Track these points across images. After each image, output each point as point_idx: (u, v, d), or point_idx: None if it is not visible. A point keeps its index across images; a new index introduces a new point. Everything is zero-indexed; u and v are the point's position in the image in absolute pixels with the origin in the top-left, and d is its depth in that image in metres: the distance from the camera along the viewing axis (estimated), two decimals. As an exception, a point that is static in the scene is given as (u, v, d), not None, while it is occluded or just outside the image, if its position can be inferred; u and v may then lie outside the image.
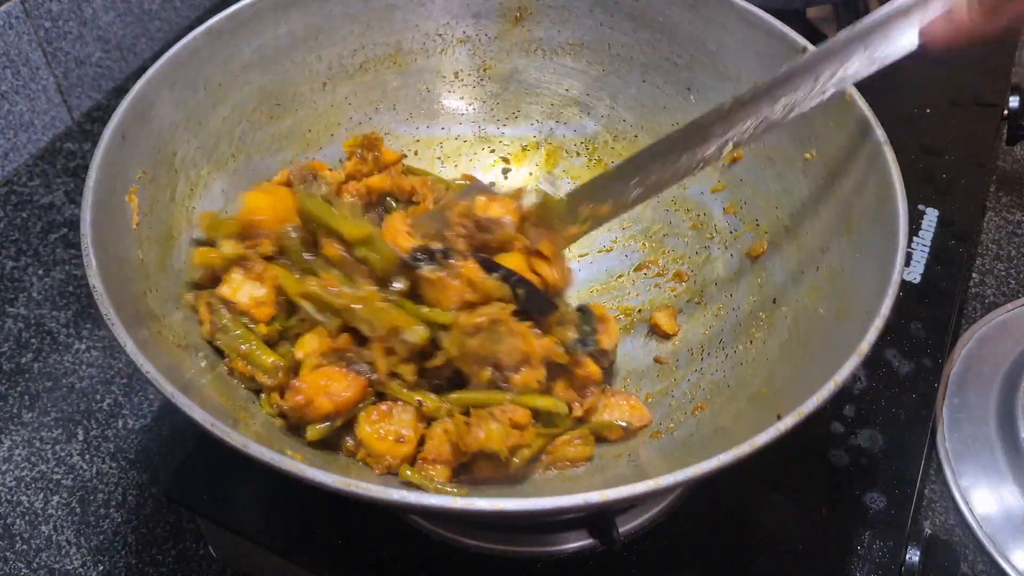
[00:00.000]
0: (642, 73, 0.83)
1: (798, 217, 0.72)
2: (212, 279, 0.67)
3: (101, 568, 0.78)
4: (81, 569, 0.78)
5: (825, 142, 0.70)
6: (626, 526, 0.67)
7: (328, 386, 0.61)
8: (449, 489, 0.61)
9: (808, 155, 0.71)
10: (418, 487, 0.60)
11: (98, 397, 0.90)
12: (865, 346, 0.53)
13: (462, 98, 0.88)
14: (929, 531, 0.79)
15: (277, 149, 0.80)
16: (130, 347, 0.52)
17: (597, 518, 0.64)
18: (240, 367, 0.64)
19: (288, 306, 0.66)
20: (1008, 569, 0.77)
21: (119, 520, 0.81)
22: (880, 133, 0.65)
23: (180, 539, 0.80)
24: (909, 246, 0.86)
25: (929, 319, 0.81)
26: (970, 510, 0.81)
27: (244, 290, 0.65)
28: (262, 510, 0.70)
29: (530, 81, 0.88)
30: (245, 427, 0.59)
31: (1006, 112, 1.01)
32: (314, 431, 0.62)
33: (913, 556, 0.68)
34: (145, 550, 0.80)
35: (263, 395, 0.64)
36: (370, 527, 0.68)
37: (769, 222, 0.75)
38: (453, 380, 0.66)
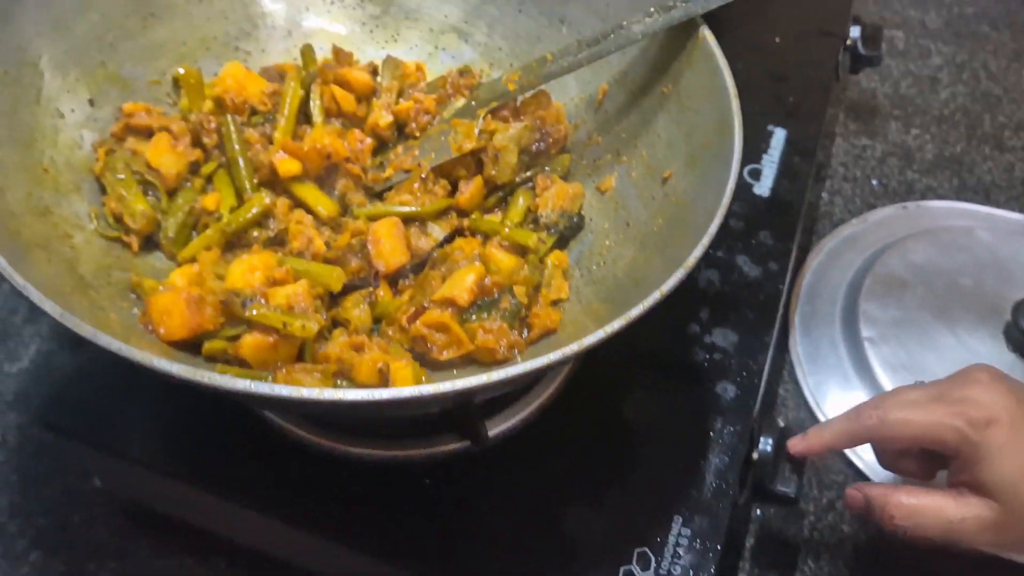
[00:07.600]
0: (519, 3, 0.86)
1: (652, 148, 0.76)
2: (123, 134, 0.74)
3: (-17, 508, 0.79)
4: (-40, 510, 0.78)
5: (680, 78, 0.74)
6: (500, 427, 0.71)
7: None
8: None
9: (665, 89, 0.76)
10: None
11: (-30, 342, 0.89)
12: (692, 260, 0.57)
13: (342, 19, 0.89)
14: (783, 424, 0.86)
15: (150, 59, 0.79)
16: None
17: (461, 418, 0.67)
18: (113, 207, 0.70)
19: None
20: (853, 459, 0.85)
21: (-1, 460, 0.81)
22: (728, 77, 0.69)
23: (65, 475, 0.81)
24: (759, 163, 0.92)
25: (776, 228, 0.87)
26: (818, 406, 0.89)
27: (162, 151, 0.73)
28: (143, 431, 0.71)
29: (411, 5, 0.89)
30: (106, 324, 0.59)
31: (848, 42, 1.08)
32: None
33: (766, 446, 0.74)
34: (29, 488, 0.80)
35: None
36: (252, 441, 0.71)
37: (628, 153, 0.79)
38: None
